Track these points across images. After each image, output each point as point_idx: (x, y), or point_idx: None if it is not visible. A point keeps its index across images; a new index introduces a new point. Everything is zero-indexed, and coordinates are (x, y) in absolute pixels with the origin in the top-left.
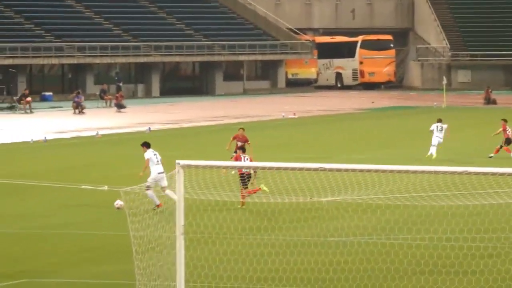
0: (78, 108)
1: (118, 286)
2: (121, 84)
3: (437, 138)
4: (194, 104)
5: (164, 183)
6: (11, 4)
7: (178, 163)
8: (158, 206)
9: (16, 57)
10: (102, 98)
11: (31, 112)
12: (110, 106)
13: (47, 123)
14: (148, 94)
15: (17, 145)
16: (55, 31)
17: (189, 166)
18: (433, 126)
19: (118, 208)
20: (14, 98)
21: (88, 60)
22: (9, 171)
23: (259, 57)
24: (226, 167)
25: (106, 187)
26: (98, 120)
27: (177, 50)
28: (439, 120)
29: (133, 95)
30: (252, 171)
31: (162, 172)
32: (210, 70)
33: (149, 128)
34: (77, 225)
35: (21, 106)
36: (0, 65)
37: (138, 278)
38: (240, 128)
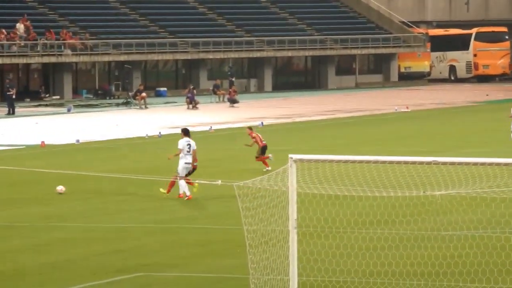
0: (192, 103)
1: (232, 280)
2: (233, 79)
3: None
4: (307, 98)
5: (184, 173)
6: (127, 1)
7: (291, 157)
8: (187, 197)
9: (131, 53)
10: (215, 93)
11: (146, 107)
12: (223, 101)
13: (161, 119)
14: (260, 88)
15: (132, 140)
16: (169, 27)
17: (301, 160)
18: None
19: (60, 193)
20: (130, 93)
21: (201, 56)
22: (125, 166)
23: (372, 51)
24: (338, 161)
25: (219, 182)
26: (211, 115)
27: (290, 45)
28: None
29: (246, 90)
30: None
31: (188, 163)
32: (322, 64)
33: (262, 122)
34: (193, 219)
35: (136, 101)
36: (115, 61)
37: (251, 272)
38: (247, 128)
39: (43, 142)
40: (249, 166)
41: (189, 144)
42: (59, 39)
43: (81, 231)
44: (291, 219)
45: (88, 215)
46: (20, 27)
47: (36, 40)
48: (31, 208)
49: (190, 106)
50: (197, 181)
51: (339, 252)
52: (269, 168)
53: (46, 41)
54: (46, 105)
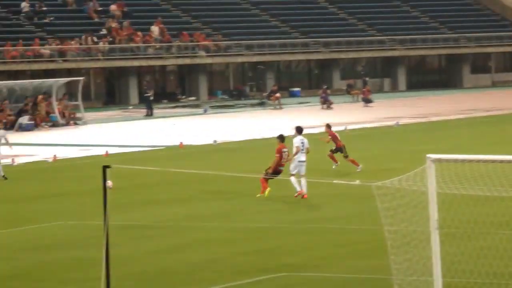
0: (326, 103)
1: (375, 281)
2: (367, 78)
3: None
4: (442, 97)
5: (302, 171)
6: (258, 2)
7: (429, 157)
8: (299, 193)
9: (264, 53)
10: (349, 93)
11: (280, 108)
12: (357, 101)
13: (295, 119)
14: (394, 88)
15: (268, 140)
16: (301, 28)
17: (440, 160)
18: None
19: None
20: (264, 94)
21: (333, 56)
22: (262, 166)
23: (508, 49)
24: (478, 161)
25: (358, 182)
26: (346, 115)
27: (422, 44)
28: None
29: (380, 90)
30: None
31: (303, 161)
32: (456, 63)
33: (397, 122)
34: (330, 219)
35: (271, 102)
36: (249, 62)
37: (394, 273)
38: (325, 125)
39: (181, 143)
40: (385, 166)
41: (303, 142)
42: (193, 41)
43: (222, 231)
44: (432, 220)
45: (228, 215)
46: (154, 29)
47: (171, 42)
48: (172, 208)
49: (324, 106)
50: (335, 181)
51: (483, 253)
52: (338, 164)
53: (180, 43)
54: (183, 106)
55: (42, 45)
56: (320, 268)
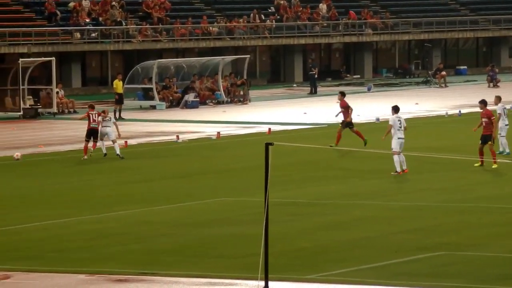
0: (493, 81)
1: None
2: None
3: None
4: None
5: (397, 148)
6: None
7: None
8: (398, 173)
9: (432, 31)
10: None
11: (445, 86)
12: None
13: (461, 97)
14: None
15: (431, 119)
16: (470, 5)
17: None
18: None
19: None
20: (429, 72)
21: (503, 33)
22: (424, 144)
23: None
24: None
25: None
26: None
27: None
28: None
29: None
30: None
31: (401, 138)
32: None
33: None
34: (491, 199)
35: (436, 80)
36: (416, 40)
37: None
38: (339, 93)
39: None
40: None
41: (399, 120)
42: (360, 19)
43: (380, 209)
44: None
45: (386, 194)
46: (323, 7)
47: (338, 20)
48: (330, 186)
49: (491, 84)
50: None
51: None
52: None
53: (347, 21)
54: (347, 84)
55: (211, 23)
56: (479, 248)
